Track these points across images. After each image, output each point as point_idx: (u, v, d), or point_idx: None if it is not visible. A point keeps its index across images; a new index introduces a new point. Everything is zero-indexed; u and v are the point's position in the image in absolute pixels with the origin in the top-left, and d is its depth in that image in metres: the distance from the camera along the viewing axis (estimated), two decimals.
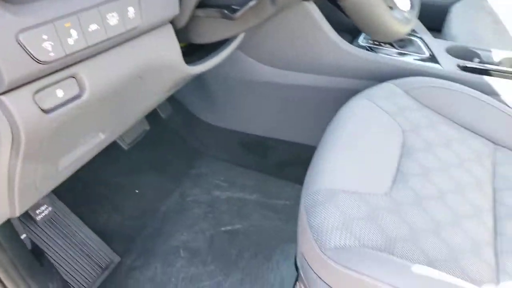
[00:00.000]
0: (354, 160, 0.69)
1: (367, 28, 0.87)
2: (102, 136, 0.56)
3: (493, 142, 0.80)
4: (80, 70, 0.43)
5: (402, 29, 0.88)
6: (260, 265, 0.96)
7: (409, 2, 0.89)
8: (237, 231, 1.04)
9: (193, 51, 0.73)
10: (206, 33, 0.68)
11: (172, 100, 1.16)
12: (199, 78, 1.09)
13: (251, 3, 0.57)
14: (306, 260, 0.62)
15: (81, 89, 0.44)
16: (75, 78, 0.43)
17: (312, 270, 0.60)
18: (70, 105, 0.43)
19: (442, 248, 0.59)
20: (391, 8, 0.86)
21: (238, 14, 0.57)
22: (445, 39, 1.16)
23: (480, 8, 1.27)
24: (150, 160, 1.14)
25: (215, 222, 1.05)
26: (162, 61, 0.57)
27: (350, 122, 0.76)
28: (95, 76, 0.45)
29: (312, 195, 0.64)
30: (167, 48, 0.57)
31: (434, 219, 0.63)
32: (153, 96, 0.65)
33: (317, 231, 0.59)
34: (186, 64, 0.63)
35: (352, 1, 0.80)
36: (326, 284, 0.58)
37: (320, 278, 0.58)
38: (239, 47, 1.00)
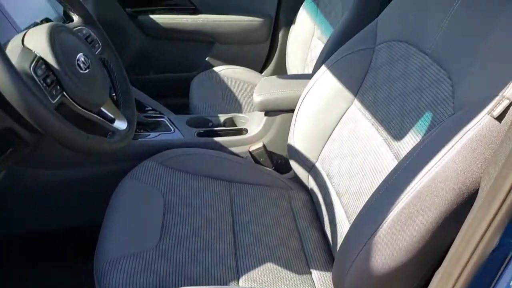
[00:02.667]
0: (126, 230, 0.87)
1: None
2: None
3: (228, 181, 1.09)
4: None
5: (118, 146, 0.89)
6: None
7: (123, 122, 0.90)
8: None
9: None
10: None
11: None
12: None
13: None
14: None
15: None
16: None
17: None
18: None
19: (199, 269, 0.82)
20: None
21: None
22: (192, 108, 1.47)
23: (213, 79, 1.64)
24: None
25: None
26: None
27: (120, 202, 0.94)
28: None
29: (99, 269, 0.79)
30: None
31: (191, 250, 0.86)
32: None
33: None
34: None
35: None
36: None
37: None
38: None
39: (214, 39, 1.79)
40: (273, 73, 1.86)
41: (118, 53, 1.77)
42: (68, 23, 0.84)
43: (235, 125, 1.30)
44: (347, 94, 0.98)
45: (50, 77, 0.65)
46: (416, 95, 0.79)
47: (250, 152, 1.17)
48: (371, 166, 0.84)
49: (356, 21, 1.24)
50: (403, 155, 0.76)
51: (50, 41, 0.67)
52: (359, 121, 0.94)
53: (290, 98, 1.15)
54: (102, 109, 0.79)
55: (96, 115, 0.76)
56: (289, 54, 1.71)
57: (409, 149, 0.75)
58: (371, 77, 0.94)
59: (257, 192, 1.07)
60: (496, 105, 0.59)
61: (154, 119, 1.23)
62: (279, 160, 1.21)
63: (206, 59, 1.83)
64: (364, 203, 0.77)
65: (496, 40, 0.64)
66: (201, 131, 1.21)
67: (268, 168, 1.16)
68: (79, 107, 0.71)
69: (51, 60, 0.66)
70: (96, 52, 0.84)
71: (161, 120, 1.23)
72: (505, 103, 0.58)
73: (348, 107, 0.98)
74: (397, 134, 0.80)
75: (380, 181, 0.80)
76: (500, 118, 0.59)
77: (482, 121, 0.60)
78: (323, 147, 1.03)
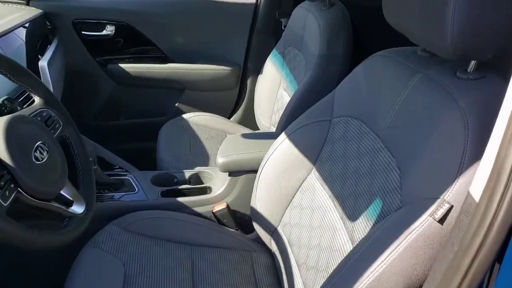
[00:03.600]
0: None
1: None
2: None
3: (191, 245, 1.07)
4: None
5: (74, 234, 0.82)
6: None
7: (80, 205, 0.84)
8: None
9: None
10: None
11: None
12: None
13: None
14: None
15: None
16: None
17: None
18: None
19: None
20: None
21: None
22: (158, 161, 1.45)
23: (182, 128, 1.63)
24: None
25: None
26: None
27: (80, 274, 0.91)
28: None
29: None
30: None
31: None
32: None
33: None
34: None
35: None
36: None
37: None
38: None
39: (184, 86, 1.78)
40: (241, 119, 1.87)
41: (89, 100, 1.76)
42: (31, 103, 0.82)
43: (200, 181, 1.28)
44: (306, 163, 0.99)
45: (5, 177, 0.63)
46: (368, 177, 0.80)
47: (213, 213, 1.16)
48: (328, 243, 0.84)
49: (317, 83, 1.26)
50: (356, 238, 0.77)
51: (6, 140, 0.65)
52: (317, 191, 0.94)
53: (253, 159, 1.15)
54: (61, 192, 0.76)
55: (52, 203, 0.73)
56: (257, 102, 1.72)
57: (362, 233, 0.76)
58: (328, 149, 0.95)
59: (219, 256, 1.05)
60: (438, 208, 0.60)
61: (118, 177, 1.20)
62: (243, 219, 1.20)
63: (176, 105, 1.82)
64: (320, 282, 0.76)
65: (436, 142, 0.65)
66: (165, 190, 1.19)
67: (231, 229, 1.15)
68: (35, 200, 0.68)
69: (6, 159, 0.64)
70: (57, 133, 0.81)
71: (126, 179, 1.20)
72: (446, 207, 0.59)
73: (307, 175, 0.99)
74: (351, 214, 0.81)
75: (335, 261, 0.81)
76: (441, 221, 0.60)
77: (425, 223, 0.61)
78: (284, 212, 1.03)
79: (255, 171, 1.11)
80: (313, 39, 1.31)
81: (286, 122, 1.31)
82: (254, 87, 1.76)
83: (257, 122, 1.72)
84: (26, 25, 1.38)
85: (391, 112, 0.79)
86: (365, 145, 0.84)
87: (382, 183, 0.75)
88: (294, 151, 1.01)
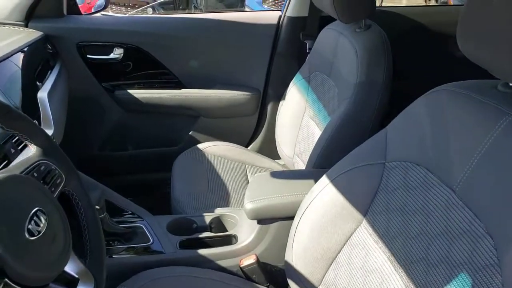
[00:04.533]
0: None
1: None
2: None
3: None
4: None
5: None
6: None
7: (87, 285, 0.68)
8: None
9: None
10: None
11: None
12: None
13: None
14: None
15: None
16: None
17: None
18: None
19: None
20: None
21: None
22: (173, 201, 1.31)
23: (197, 160, 1.50)
24: None
25: None
26: None
27: None
28: None
29: None
30: None
31: None
32: None
33: None
34: None
35: None
36: None
37: None
38: None
39: (199, 113, 1.66)
40: (260, 147, 1.74)
41: (94, 129, 1.63)
42: (23, 147, 0.68)
43: (223, 226, 1.14)
44: (354, 214, 0.85)
45: None
46: (443, 241, 0.65)
47: (241, 269, 1.01)
48: None
49: (355, 114, 1.13)
50: None
51: None
52: (371, 250, 0.80)
53: (288, 205, 1.01)
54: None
55: (51, 286, 0.59)
56: (279, 130, 1.59)
57: None
58: (383, 199, 0.81)
59: None
60: None
61: (130, 224, 1.06)
62: (275, 273, 1.05)
63: (190, 133, 1.69)
64: None
65: None
66: (184, 240, 1.05)
67: (262, 287, 1.00)
68: None
69: None
70: (58, 190, 0.68)
71: (138, 227, 1.07)
72: None
73: (356, 228, 0.85)
74: (422, 286, 0.67)
75: None
76: None
77: None
78: (327, 270, 0.89)
79: (290, 218, 0.97)
80: (348, 65, 1.18)
81: (320, 158, 1.17)
82: (275, 114, 1.63)
83: (278, 151, 1.59)
84: (25, 49, 1.26)
85: (470, 161, 0.66)
86: (434, 199, 0.70)
87: (468, 254, 0.61)
88: (340, 198, 0.87)
